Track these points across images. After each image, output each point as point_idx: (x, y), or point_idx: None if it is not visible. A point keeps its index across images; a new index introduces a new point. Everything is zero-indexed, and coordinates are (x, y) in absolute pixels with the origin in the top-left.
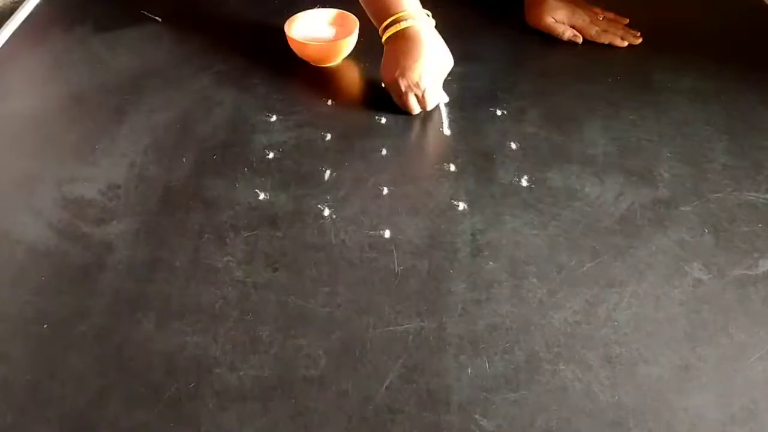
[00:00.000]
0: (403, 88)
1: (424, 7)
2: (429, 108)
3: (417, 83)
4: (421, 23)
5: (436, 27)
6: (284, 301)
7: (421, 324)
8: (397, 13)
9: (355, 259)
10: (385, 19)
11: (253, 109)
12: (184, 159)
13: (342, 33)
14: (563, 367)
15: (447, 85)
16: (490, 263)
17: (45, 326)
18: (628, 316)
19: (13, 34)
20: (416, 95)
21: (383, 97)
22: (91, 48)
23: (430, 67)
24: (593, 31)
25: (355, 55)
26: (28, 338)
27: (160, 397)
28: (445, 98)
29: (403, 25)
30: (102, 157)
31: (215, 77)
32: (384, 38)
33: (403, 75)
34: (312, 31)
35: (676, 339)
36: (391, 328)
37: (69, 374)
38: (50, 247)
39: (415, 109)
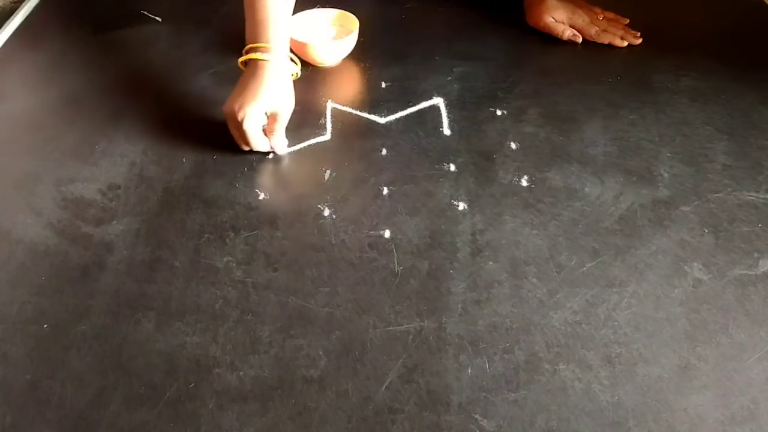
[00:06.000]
0: (246, 124)
1: (428, 6)
2: (256, 148)
3: (251, 117)
4: (277, 62)
5: (436, 26)
6: (284, 301)
7: (421, 324)
8: (258, 43)
9: (355, 259)
10: (248, 44)
11: None
12: (183, 159)
13: (342, 33)
14: (563, 367)
15: (447, 85)
16: (490, 263)
17: (45, 326)
18: (628, 316)
19: (12, 34)
20: (248, 130)
21: (383, 97)
22: (90, 48)
23: (274, 107)
24: (593, 31)
25: (355, 55)
26: (28, 338)
27: (160, 397)
28: (285, 149)
29: (258, 56)
30: (102, 157)
31: (215, 77)
32: (239, 61)
33: (245, 107)
34: (312, 31)
35: (676, 339)
36: (391, 328)
37: (69, 374)
38: (50, 247)
39: (260, 146)
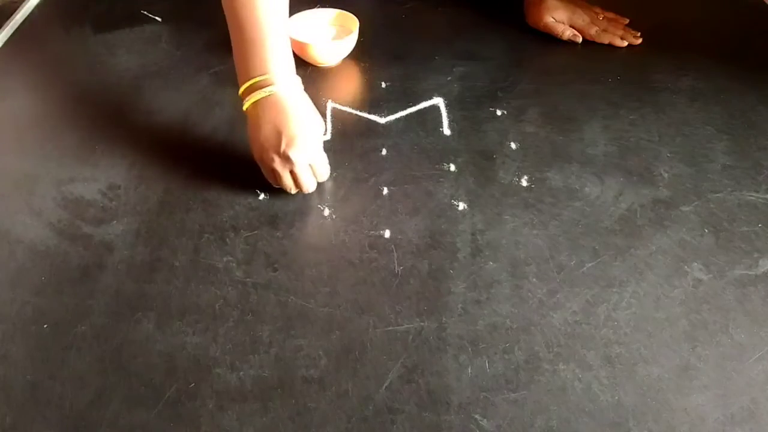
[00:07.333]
0: (297, 164)
1: (428, 6)
2: (324, 179)
3: (312, 156)
4: (285, 88)
5: (436, 26)
6: (284, 301)
7: (421, 324)
8: (258, 76)
9: (355, 259)
10: (246, 81)
11: None
12: (184, 159)
13: (342, 33)
14: (563, 367)
15: (447, 85)
16: (490, 263)
17: (45, 326)
18: (628, 316)
19: (12, 34)
20: (311, 168)
21: (383, 97)
22: (90, 48)
23: (314, 136)
24: (593, 31)
25: (355, 55)
26: (28, 338)
27: (160, 397)
28: (327, 173)
29: (266, 92)
30: (102, 157)
31: (215, 77)
32: (245, 105)
33: (292, 148)
34: (312, 31)
35: (676, 339)
36: (391, 328)
37: (69, 374)
38: (50, 247)
39: (311, 185)
